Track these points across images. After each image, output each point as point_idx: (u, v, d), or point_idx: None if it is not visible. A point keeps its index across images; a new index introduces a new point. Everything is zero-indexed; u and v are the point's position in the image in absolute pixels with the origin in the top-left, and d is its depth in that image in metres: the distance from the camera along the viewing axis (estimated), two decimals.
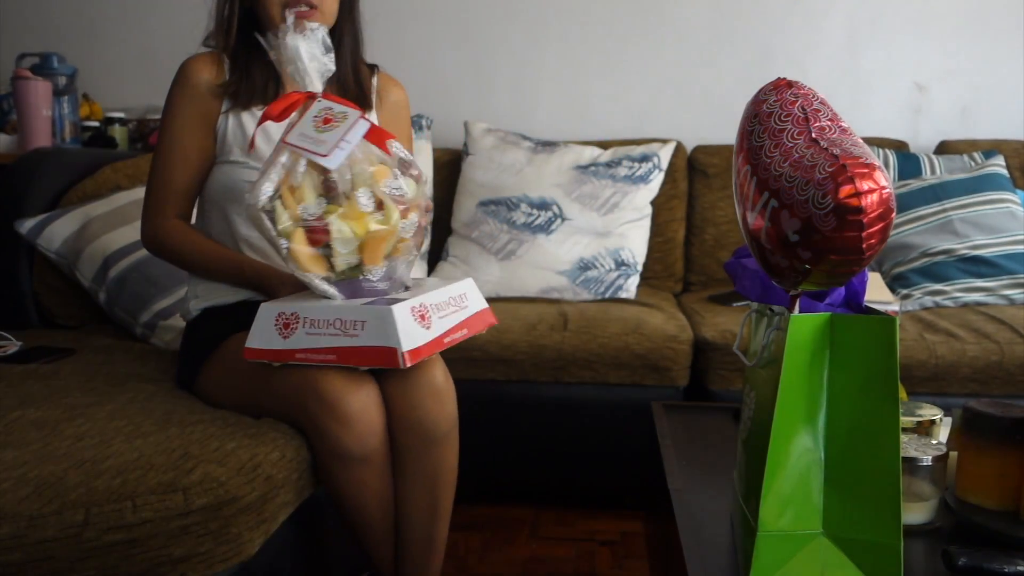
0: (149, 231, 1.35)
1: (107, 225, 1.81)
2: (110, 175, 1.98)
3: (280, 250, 1.08)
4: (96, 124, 2.52)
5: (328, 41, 1.14)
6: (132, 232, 1.79)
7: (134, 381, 1.34)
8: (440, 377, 1.17)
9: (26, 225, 1.80)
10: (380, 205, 1.09)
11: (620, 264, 2.16)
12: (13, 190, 1.88)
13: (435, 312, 1.11)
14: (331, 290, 1.10)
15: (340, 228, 1.06)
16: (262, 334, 1.12)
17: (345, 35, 1.40)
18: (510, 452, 1.85)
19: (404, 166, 1.13)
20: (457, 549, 1.71)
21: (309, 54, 1.11)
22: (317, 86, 1.13)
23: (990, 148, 2.34)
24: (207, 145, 1.33)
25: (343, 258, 1.07)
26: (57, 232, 1.79)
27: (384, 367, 1.06)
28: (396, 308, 1.04)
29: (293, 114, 1.13)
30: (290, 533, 1.10)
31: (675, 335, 1.81)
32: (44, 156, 1.98)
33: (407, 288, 1.16)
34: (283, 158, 1.08)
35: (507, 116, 2.59)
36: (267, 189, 1.07)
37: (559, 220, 2.19)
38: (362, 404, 1.10)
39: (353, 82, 1.41)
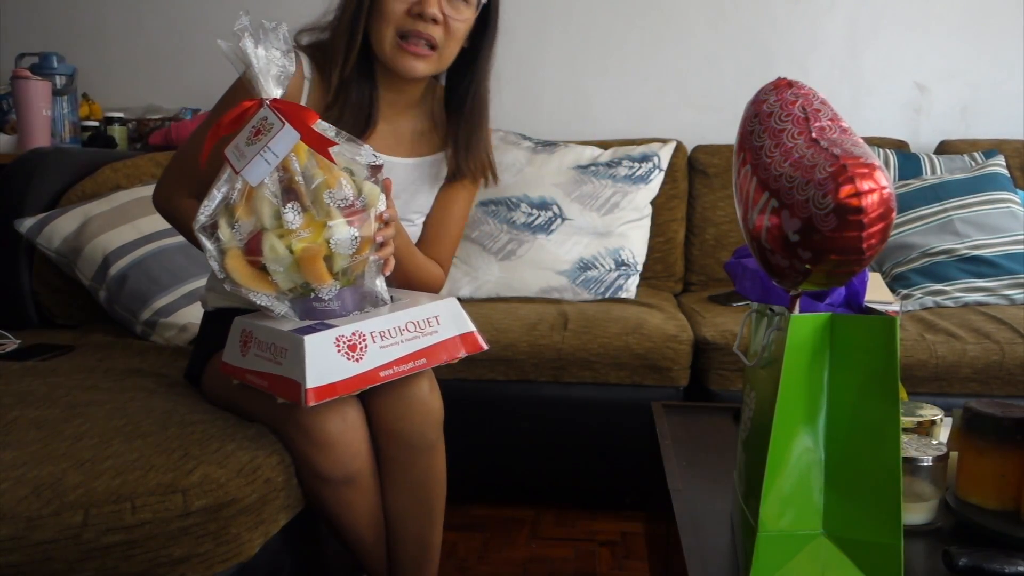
0: (173, 200, 1.24)
1: (107, 223, 1.80)
2: (109, 175, 1.98)
3: (215, 271, 1.00)
4: (95, 124, 2.52)
5: (289, 41, 1.00)
6: (132, 230, 1.79)
7: (134, 378, 1.34)
8: (426, 388, 1.12)
9: (26, 224, 1.80)
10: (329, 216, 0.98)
11: (620, 264, 2.16)
12: (12, 190, 1.88)
13: (377, 341, 1.00)
14: (280, 308, 1.01)
15: (273, 246, 0.96)
16: (231, 348, 1.08)
17: (479, 98, 1.26)
18: (510, 452, 1.85)
19: (372, 171, 1.03)
20: (457, 549, 1.71)
21: (265, 56, 0.98)
22: (272, 91, 0.99)
23: (990, 148, 2.34)
24: None
25: (283, 277, 0.98)
26: (57, 230, 1.79)
27: (294, 402, 0.97)
28: (309, 338, 0.95)
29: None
30: (289, 534, 1.10)
31: (675, 335, 1.80)
32: (43, 156, 1.98)
33: (385, 303, 1.07)
34: (227, 173, 1.00)
35: (507, 116, 2.57)
36: (208, 206, 0.99)
37: (559, 220, 2.19)
38: (339, 428, 1.04)
39: (485, 155, 1.30)
